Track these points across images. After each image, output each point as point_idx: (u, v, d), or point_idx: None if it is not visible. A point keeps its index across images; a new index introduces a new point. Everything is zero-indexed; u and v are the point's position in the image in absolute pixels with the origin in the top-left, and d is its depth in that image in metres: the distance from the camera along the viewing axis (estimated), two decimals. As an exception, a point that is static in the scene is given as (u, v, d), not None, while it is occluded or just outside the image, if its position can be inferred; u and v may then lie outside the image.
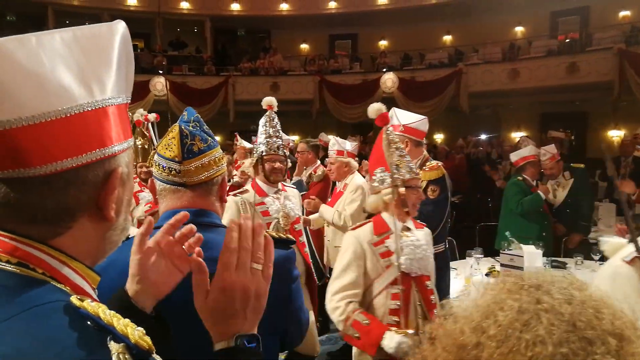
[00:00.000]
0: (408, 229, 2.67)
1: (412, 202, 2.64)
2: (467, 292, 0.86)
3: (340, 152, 4.67)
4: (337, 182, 4.82)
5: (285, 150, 3.57)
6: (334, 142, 4.76)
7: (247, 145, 8.01)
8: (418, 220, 3.59)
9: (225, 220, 2.76)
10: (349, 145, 4.77)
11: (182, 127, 1.41)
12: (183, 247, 1.12)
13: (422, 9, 16.44)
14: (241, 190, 3.50)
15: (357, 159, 5.04)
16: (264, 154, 3.43)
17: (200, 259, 1.01)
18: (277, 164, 3.44)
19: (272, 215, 3.41)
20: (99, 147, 0.79)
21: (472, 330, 0.75)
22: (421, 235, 2.69)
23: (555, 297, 0.74)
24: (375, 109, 2.67)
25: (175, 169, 1.40)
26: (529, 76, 14.15)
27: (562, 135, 9.01)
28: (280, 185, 3.56)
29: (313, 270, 3.72)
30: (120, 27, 0.87)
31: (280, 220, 3.41)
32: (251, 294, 0.97)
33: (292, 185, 3.84)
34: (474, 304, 0.80)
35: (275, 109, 3.53)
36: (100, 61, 0.82)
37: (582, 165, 5.81)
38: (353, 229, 2.75)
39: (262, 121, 3.50)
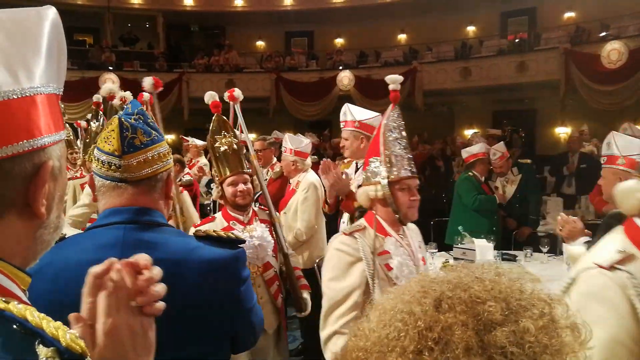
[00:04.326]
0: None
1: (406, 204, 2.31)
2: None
3: (289, 150, 4.64)
4: (290, 180, 4.79)
5: None
6: (285, 140, 4.73)
7: (200, 143, 7.87)
8: None
9: None
10: (292, 143, 4.65)
11: (122, 120, 1.33)
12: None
13: (377, 7, 16.58)
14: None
15: (314, 157, 4.98)
16: None
17: (77, 314, 0.91)
18: None
19: None
20: (26, 138, 0.73)
21: None
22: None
23: (458, 315, 0.68)
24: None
25: (115, 164, 1.32)
26: (480, 75, 14.52)
27: (498, 133, 9.31)
28: None
29: None
30: (50, 12, 0.81)
31: None
32: (138, 332, 0.91)
33: None
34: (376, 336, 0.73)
35: None
36: (27, 47, 0.76)
37: (528, 161, 6.01)
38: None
39: None
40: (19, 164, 0.74)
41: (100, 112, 4.36)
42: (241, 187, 2.81)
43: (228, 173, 2.82)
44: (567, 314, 0.71)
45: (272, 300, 2.90)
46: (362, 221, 2.39)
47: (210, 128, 2.94)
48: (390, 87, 2.52)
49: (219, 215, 2.95)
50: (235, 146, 2.86)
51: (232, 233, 1.42)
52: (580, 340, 0.69)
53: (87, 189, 4.61)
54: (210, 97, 3.06)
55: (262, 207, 3.22)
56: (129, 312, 0.91)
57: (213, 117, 2.96)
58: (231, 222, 2.86)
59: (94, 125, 4.35)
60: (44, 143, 0.76)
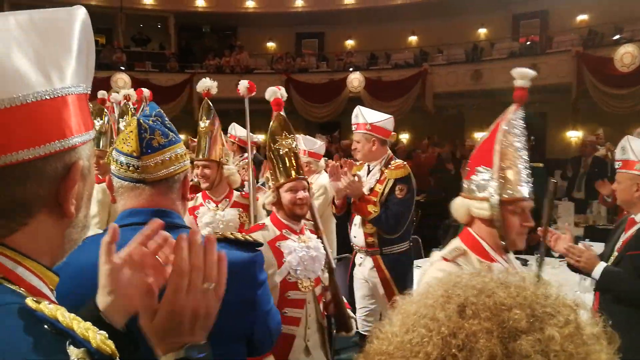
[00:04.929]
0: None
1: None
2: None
3: (302, 152, 4.59)
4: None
5: None
6: (299, 141, 4.69)
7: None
8: (383, 221, 3.54)
9: None
10: (305, 144, 4.61)
11: (141, 121, 1.34)
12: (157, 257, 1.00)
13: (388, 9, 16.55)
14: None
15: (325, 159, 4.97)
16: None
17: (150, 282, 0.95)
18: None
19: None
20: (58, 138, 0.74)
21: None
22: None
23: (483, 322, 0.67)
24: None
25: (133, 165, 1.33)
26: (491, 77, 14.43)
27: None
28: None
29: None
30: (80, 12, 0.82)
31: None
32: (201, 315, 0.92)
33: None
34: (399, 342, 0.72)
35: None
36: (59, 47, 0.77)
37: (541, 165, 5.96)
38: None
39: None
40: (51, 164, 0.75)
41: (105, 110, 4.31)
42: (301, 194, 2.54)
43: (286, 178, 2.57)
44: (592, 321, 0.70)
45: (319, 319, 2.63)
46: (459, 244, 2.01)
47: (270, 127, 2.73)
48: (517, 83, 2.03)
49: (268, 221, 2.66)
50: (295, 149, 2.64)
51: (251, 236, 1.42)
52: (606, 349, 0.69)
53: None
54: (272, 93, 2.81)
55: None
56: (198, 294, 0.91)
57: (273, 115, 2.74)
58: (284, 230, 2.57)
59: (97, 123, 4.27)
60: (75, 143, 0.78)
